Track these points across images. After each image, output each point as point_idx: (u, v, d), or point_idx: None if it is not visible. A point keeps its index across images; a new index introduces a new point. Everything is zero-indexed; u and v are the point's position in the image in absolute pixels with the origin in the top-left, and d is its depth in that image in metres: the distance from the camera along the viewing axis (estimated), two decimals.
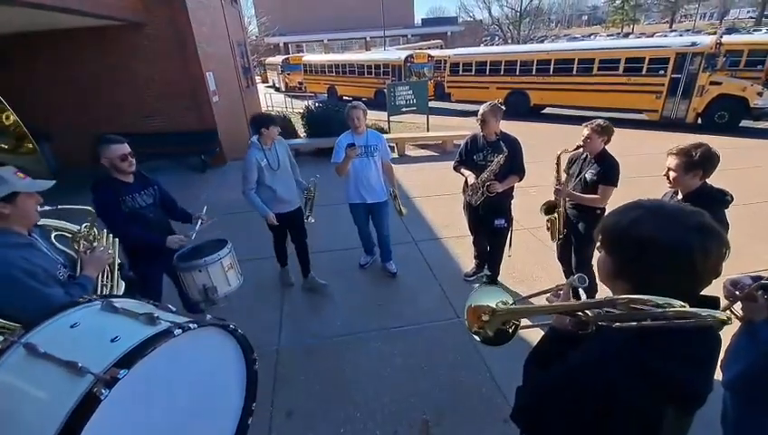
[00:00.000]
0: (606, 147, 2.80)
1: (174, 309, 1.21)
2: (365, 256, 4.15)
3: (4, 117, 1.73)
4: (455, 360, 2.85)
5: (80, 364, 0.88)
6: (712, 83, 9.08)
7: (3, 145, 1.76)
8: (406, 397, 2.56)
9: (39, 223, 1.65)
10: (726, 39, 9.87)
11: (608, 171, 2.73)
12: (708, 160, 1.94)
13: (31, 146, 1.82)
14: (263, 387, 2.62)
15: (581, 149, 2.88)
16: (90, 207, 1.92)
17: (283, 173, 3.36)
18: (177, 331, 1.00)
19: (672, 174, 2.04)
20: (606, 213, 0.97)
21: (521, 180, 3.23)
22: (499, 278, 3.64)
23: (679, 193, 2.11)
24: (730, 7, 51.28)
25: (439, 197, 5.98)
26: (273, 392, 2.64)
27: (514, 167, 3.14)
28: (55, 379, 0.89)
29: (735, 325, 1.76)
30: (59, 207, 1.73)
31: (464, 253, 4.20)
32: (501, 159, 3.01)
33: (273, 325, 3.31)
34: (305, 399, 2.59)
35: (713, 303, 0.82)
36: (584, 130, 2.78)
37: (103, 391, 0.83)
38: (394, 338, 3.10)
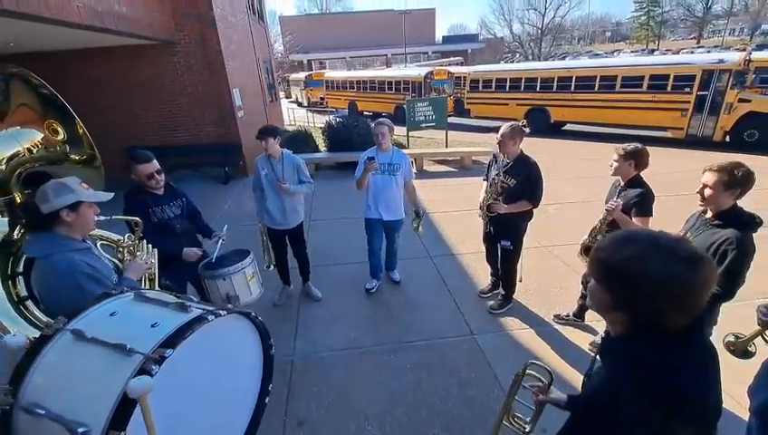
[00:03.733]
0: (640, 174, 2.62)
1: (196, 299, 1.30)
2: (371, 281, 3.99)
3: (78, 128, 1.87)
4: (467, 376, 2.83)
5: (128, 346, 0.97)
6: (741, 101, 8.84)
7: (75, 156, 1.90)
8: (417, 411, 2.56)
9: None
10: (756, 56, 9.61)
11: (640, 201, 2.53)
12: (748, 181, 1.93)
13: (97, 163, 1.96)
14: (276, 396, 2.68)
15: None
16: (138, 218, 2.02)
17: (279, 191, 3.33)
18: (211, 317, 1.10)
19: (708, 191, 1.98)
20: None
21: (534, 207, 3.11)
22: (516, 297, 3.60)
23: (708, 212, 2.07)
24: (761, 22, 49.86)
25: (456, 212, 5.99)
26: (287, 402, 2.68)
27: (527, 192, 3.03)
28: (106, 359, 0.98)
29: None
30: (113, 217, 1.84)
31: (479, 269, 4.18)
32: (503, 180, 3.01)
33: (288, 335, 3.37)
34: (317, 409, 2.62)
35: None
36: (613, 155, 2.65)
37: (153, 367, 0.92)
38: (407, 352, 3.11)
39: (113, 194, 1.71)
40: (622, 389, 0.83)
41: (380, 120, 3.50)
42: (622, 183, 2.69)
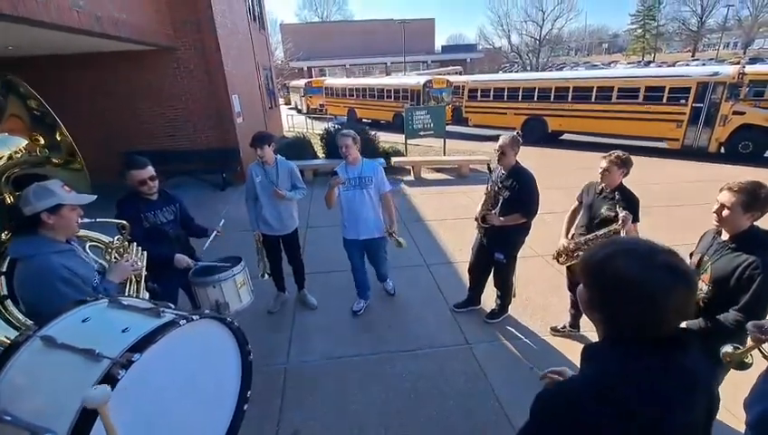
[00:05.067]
0: (623, 181, 2.66)
1: (173, 306, 1.29)
2: (358, 302, 3.74)
3: (57, 134, 1.93)
4: (463, 386, 2.80)
5: (96, 351, 0.96)
6: (735, 113, 8.94)
7: (54, 160, 1.94)
8: (413, 421, 2.53)
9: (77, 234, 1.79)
10: (750, 69, 9.73)
11: (629, 208, 2.55)
12: None
13: (79, 165, 1.99)
14: (270, 405, 2.64)
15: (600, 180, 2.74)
16: (124, 221, 2.07)
17: (275, 197, 3.30)
18: (182, 321, 1.10)
19: (726, 212, 1.82)
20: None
21: (526, 220, 3.03)
22: (512, 306, 3.57)
23: (723, 233, 1.91)
24: (755, 37, 50.60)
25: (453, 221, 5.98)
26: (281, 411, 2.64)
27: (520, 205, 2.95)
28: (75, 364, 0.98)
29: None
30: (97, 220, 1.88)
31: None
32: (497, 191, 3.01)
33: (282, 344, 3.33)
34: (312, 419, 2.58)
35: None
36: (602, 162, 2.66)
37: (120, 371, 0.91)
38: (403, 361, 3.08)
39: (95, 197, 1.74)
40: (587, 393, 0.81)
41: (343, 131, 3.26)
42: (608, 190, 2.69)
